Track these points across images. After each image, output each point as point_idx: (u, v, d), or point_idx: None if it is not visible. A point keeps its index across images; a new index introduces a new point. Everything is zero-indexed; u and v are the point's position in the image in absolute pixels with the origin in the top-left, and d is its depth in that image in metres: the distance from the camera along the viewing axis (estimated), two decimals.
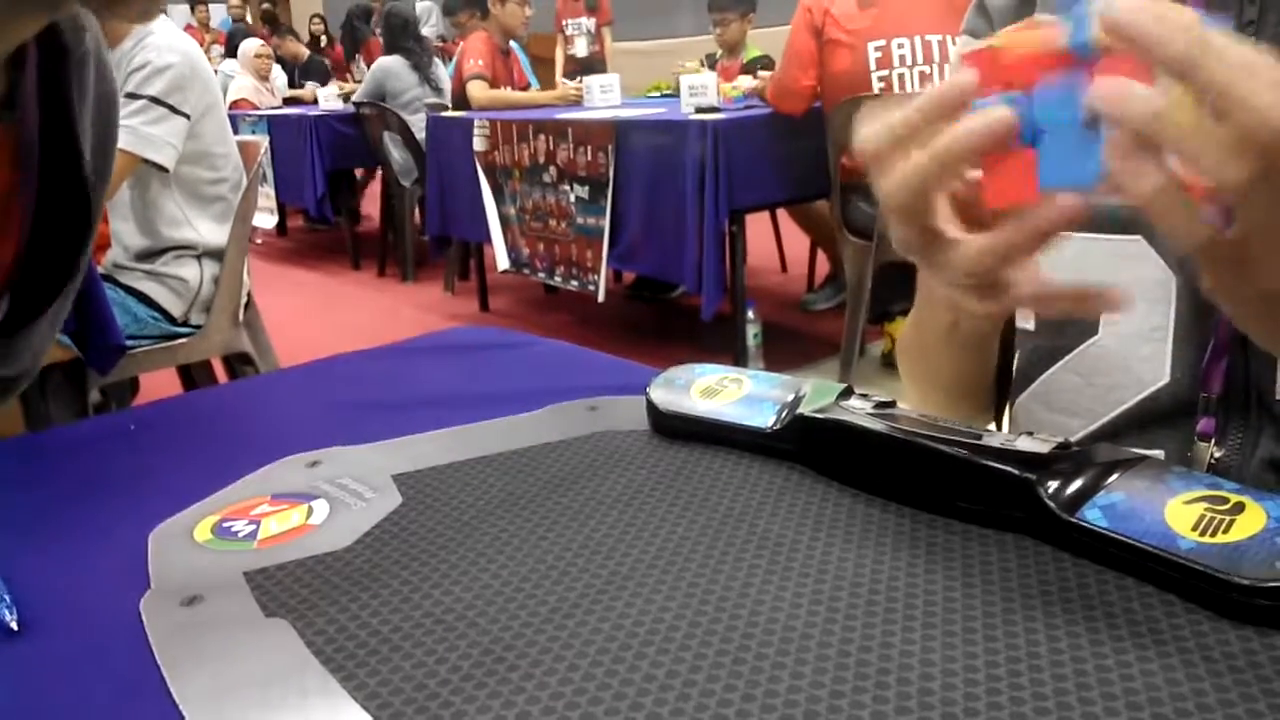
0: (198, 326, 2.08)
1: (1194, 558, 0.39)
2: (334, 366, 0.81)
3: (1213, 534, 0.39)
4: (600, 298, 3.27)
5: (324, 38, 8.40)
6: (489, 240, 3.72)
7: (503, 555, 0.46)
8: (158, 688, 0.38)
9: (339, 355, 0.83)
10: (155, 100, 1.90)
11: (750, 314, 3.00)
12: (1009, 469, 0.45)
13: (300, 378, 0.81)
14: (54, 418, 1.75)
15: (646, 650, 0.38)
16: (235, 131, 2.16)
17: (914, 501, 0.48)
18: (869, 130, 0.42)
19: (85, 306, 1.65)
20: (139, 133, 1.88)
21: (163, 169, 1.93)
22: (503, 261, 3.69)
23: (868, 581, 0.42)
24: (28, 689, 0.40)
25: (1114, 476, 0.44)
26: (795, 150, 3.01)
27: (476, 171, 3.69)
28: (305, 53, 7.38)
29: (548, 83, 4.80)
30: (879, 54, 2.76)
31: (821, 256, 3.97)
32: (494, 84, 4.23)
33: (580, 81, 4.18)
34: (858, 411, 0.52)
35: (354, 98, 4.93)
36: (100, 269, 1.96)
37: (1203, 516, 0.40)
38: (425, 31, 5.65)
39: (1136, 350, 0.60)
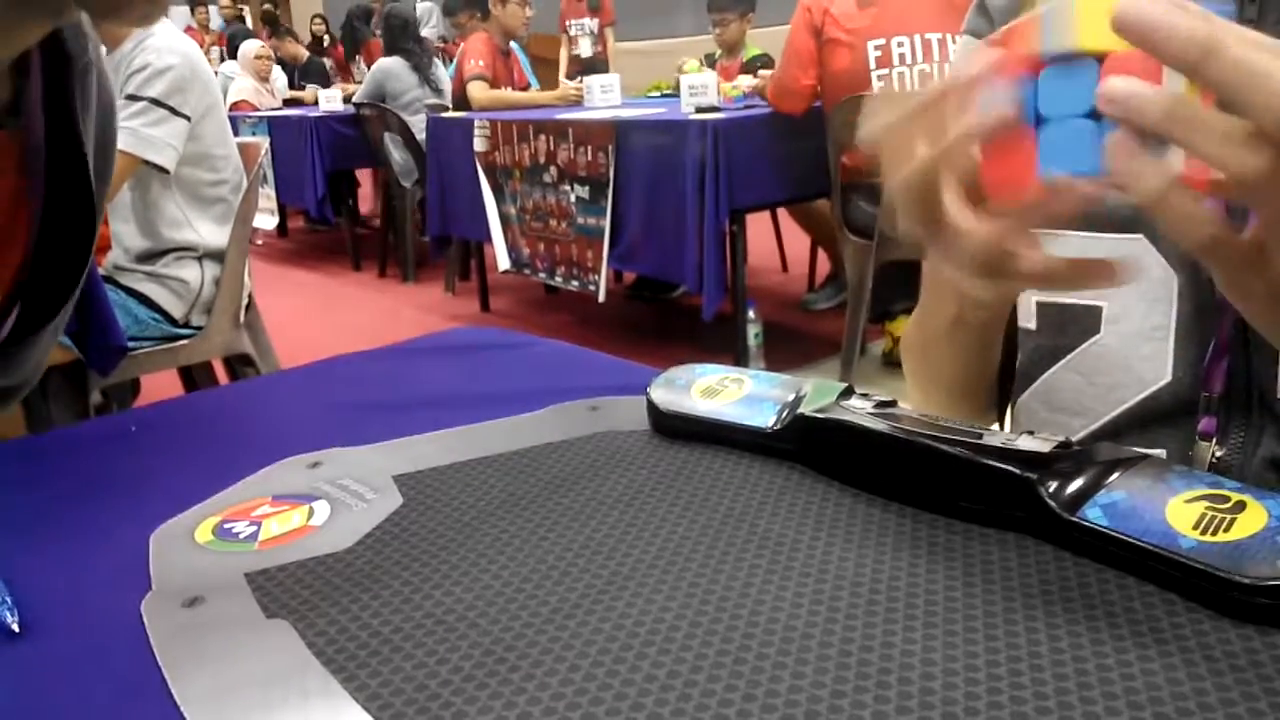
0: (199, 328, 2.08)
1: (1195, 556, 0.38)
2: (335, 367, 0.81)
3: (1214, 533, 0.39)
4: (601, 298, 3.27)
5: (325, 38, 8.40)
6: (489, 240, 3.73)
7: (504, 556, 0.46)
8: (159, 689, 0.38)
9: (340, 356, 0.83)
10: (156, 102, 1.90)
11: (751, 314, 3.00)
12: (1010, 468, 0.45)
13: (301, 379, 0.81)
14: (55, 419, 1.75)
15: (647, 651, 0.38)
16: (235, 133, 2.16)
17: (915, 501, 0.48)
18: (875, 122, 0.42)
19: (86, 308, 1.65)
20: (139, 134, 1.89)
21: (163, 170, 1.93)
22: (503, 262, 3.69)
23: (868, 581, 0.42)
24: (28, 690, 0.40)
25: (1115, 475, 0.44)
26: (795, 150, 3.01)
27: (477, 172, 3.69)
28: (305, 54, 7.39)
29: (548, 83, 4.81)
30: (879, 53, 2.76)
31: (822, 256, 3.97)
32: (494, 84, 4.23)
33: (581, 81, 4.18)
34: (858, 411, 0.52)
35: (354, 99, 4.93)
36: (101, 270, 1.97)
37: (1204, 515, 0.40)
38: (426, 32, 5.66)
39: (1138, 349, 0.60)
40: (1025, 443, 0.46)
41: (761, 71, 3.52)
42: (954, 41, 2.47)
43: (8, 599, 0.44)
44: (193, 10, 9.02)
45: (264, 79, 6.09)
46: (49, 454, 0.66)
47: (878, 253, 2.74)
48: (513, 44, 4.52)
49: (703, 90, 3.29)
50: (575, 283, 3.36)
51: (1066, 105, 0.36)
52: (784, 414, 0.54)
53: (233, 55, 6.59)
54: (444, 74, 4.83)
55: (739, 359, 2.95)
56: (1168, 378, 0.60)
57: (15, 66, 0.63)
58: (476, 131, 3.66)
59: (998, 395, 0.75)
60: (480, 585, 0.44)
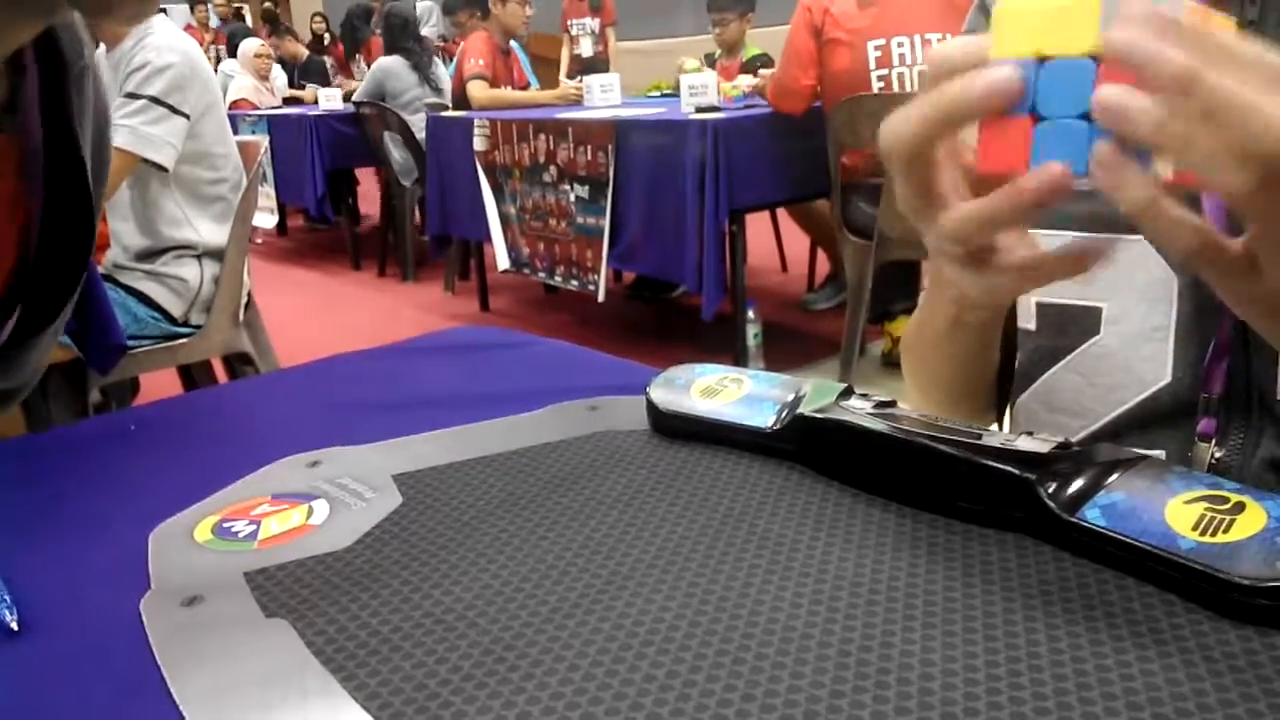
0: (198, 326, 2.08)
1: (1194, 557, 0.38)
2: (334, 366, 0.81)
3: (1213, 533, 0.39)
4: (600, 298, 3.27)
5: (325, 36, 8.40)
6: (489, 240, 3.73)
7: (503, 555, 0.46)
8: (158, 688, 0.38)
9: (339, 355, 0.83)
10: (155, 100, 1.90)
11: (750, 314, 3.00)
12: (1009, 469, 0.45)
13: (300, 378, 0.81)
14: (55, 418, 1.75)
15: (646, 650, 0.38)
16: (235, 131, 2.16)
17: (914, 501, 0.48)
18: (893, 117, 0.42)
19: (86, 306, 1.65)
20: (139, 132, 1.89)
21: (162, 169, 1.93)
22: (503, 261, 3.69)
23: (868, 581, 0.42)
24: (28, 689, 0.40)
25: (1114, 476, 0.44)
26: (795, 150, 3.01)
27: (476, 171, 3.69)
28: (305, 53, 7.39)
29: (548, 83, 4.81)
30: (879, 53, 2.76)
31: (822, 256, 3.98)
32: (494, 84, 4.23)
33: (580, 81, 4.18)
34: (858, 411, 0.52)
35: (354, 98, 4.93)
36: (100, 269, 1.97)
37: (1203, 516, 0.40)
38: (426, 31, 5.66)
39: (1138, 350, 0.60)
40: (1024, 443, 0.46)
41: (762, 70, 3.52)
42: None
43: (7, 597, 0.44)
44: (192, 9, 9.02)
45: (264, 77, 6.09)
46: (49, 453, 0.66)
47: (877, 253, 2.74)
48: (513, 43, 4.52)
49: (703, 90, 3.29)
50: (575, 282, 3.36)
51: (1062, 106, 0.37)
52: (783, 414, 0.54)
53: (232, 54, 6.59)
54: (444, 73, 4.83)
55: (738, 359, 2.95)
56: (1167, 379, 0.60)
57: (11, 65, 0.63)
58: (476, 131, 3.66)
59: (997, 396, 0.75)
60: (480, 585, 0.44)
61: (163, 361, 2.09)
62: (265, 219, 5.22)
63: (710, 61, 4.58)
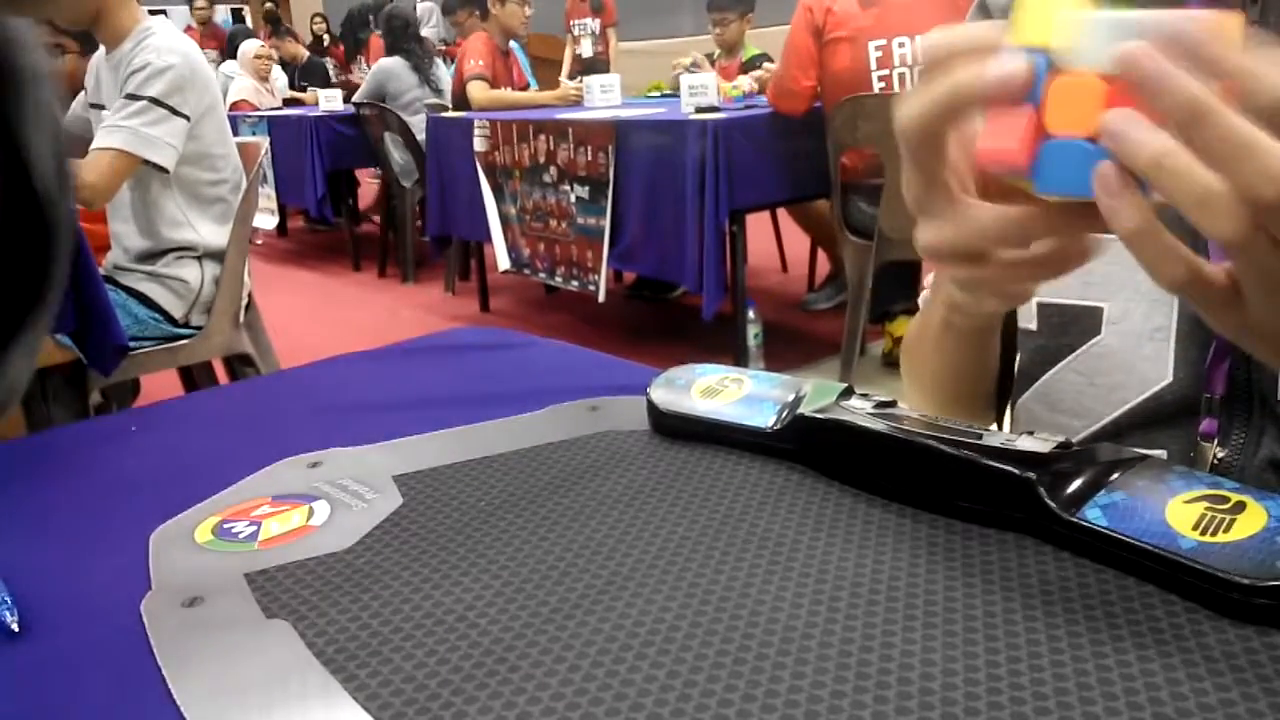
0: (198, 328, 2.08)
1: (1195, 557, 0.38)
2: (335, 367, 0.81)
3: (1213, 533, 0.39)
4: (600, 298, 3.27)
5: (326, 37, 8.40)
6: (489, 240, 3.73)
7: (503, 556, 0.46)
8: (159, 689, 0.38)
9: (340, 356, 0.83)
10: (155, 101, 1.90)
11: (751, 314, 3.00)
12: (1009, 468, 0.45)
13: (301, 379, 0.81)
14: (55, 419, 1.75)
15: (647, 651, 0.38)
16: (235, 132, 2.16)
17: (914, 501, 0.48)
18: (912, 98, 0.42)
19: (87, 307, 1.65)
20: (139, 134, 1.89)
21: (163, 170, 1.93)
22: (503, 262, 3.69)
23: (868, 581, 0.42)
24: (28, 689, 0.40)
25: (1114, 476, 0.44)
26: (795, 150, 3.01)
27: (477, 172, 3.69)
28: (305, 54, 7.39)
29: (548, 83, 4.80)
30: (880, 53, 2.76)
31: (822, 256, 3.97)
32: (494, 84, 4.23)
33: (580, 81, 4.18)
34: (858, 411, 0.52)
35: (354, 98, 4.94)
36: (101, 270, 1.97)
37: (1203, 516, 0.40)
38: (426, 32, 5.66)
39: (1139, 350, 0.60)
40: (1025, 443, 0.46)
41: (766, 65, 3.51)
42: None
43: (8, 598, 0.44)
44: (192, 9, 9.02)
45: (264, 79, 6.09)
46: (49, 454, 0.66)
47: (878, 253, 2.74)
48: (512, 44, 4.52)
49: (702, 90, 3.29)
50: (575, 283, 3.36)
51: (1069, 126, 0.36)
52: (784, 414, 0.54)
53: (232, 55, 6.59)
54: (444, 74, 4.83)
55: (739, 359, 2.95)
56: (1169, 379, 0.60)
57: None
58: (476, 131, 3.66)
59: (996, 397, 0.75)
60: (480, 585, 0.44)
61: (163, 363, 2.09)
62: (266, 220, 5.22)
63: (710, 61, 4.58)
